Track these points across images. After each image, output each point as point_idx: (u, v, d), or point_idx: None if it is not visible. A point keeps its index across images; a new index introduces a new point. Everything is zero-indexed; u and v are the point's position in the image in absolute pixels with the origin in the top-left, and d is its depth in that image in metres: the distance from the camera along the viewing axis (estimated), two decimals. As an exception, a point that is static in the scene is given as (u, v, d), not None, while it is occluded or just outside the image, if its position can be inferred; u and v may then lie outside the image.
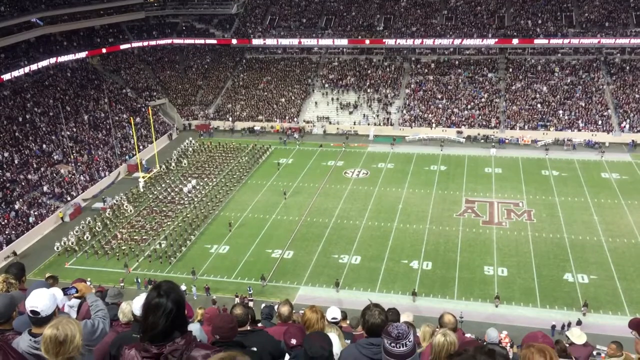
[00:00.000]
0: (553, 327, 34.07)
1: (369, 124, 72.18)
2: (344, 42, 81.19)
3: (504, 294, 38.57)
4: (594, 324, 34.95)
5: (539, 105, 70.42)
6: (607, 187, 54.58)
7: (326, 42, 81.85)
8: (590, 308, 36.72)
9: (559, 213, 49.76)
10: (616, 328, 33.82)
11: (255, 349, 5.64)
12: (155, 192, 56.72)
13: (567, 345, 8.93)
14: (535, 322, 34.20)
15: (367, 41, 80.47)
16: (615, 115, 67.38)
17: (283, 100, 77.82)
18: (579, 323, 34.13)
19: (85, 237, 48.52)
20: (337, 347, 5.85)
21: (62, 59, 72.88)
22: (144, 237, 48.16)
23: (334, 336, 6.03)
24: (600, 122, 66.76)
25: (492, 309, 37.51)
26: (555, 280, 40.34)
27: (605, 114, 67.66)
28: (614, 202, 51.35)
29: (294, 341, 5.77)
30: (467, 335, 15.60)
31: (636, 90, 69.27)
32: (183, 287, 39.32)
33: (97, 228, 50.15)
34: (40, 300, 4.75)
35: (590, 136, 65.44)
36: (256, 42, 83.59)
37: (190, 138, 70.92)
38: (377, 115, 73.24)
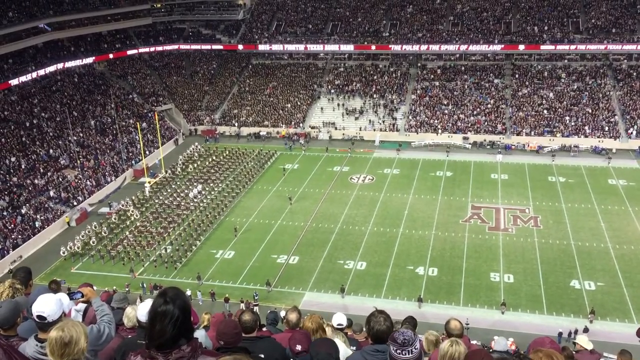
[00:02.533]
0: (560, 334, 33.87)
1: (374, 130, 72.17)
2: (350, 47, 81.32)
3: (510, 301, 38.40)
4: (601, 331, 34.73)
5: (545, 112, 70.25)
6: (614, 193, 54.33)
7: (332, 47, 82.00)
8: (597, 315, 36.48)
9: (566, 219, 49.55)
10: (623, 335, 33.58)
11: (262, 355, 5.62)
12: (161, 197, 56.83)
13: (574, 352, 8.86)
14: (542, 329, 33.99)
15: (373, 47, 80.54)
16: (622, 122, 67.14)
17: (289, 105, 77.94)
18: (585, 330, 33.93)
19: (91, 242, 48.65)
20: (342, 354, 5.83)
21: (70, 64, 73.34)
22: (149, 242, 48.23)
23: (339, 342, 6.02)
24: (607, 129, 66.53)
25: (499, 315, 37.35)
26: (562, 287, 40.13)
27: (612, 120, 67.43)
28: (621, 209, 51.10)
29: (299, 347, 5.75)
30: (473, 342, 15.51)
31: (643, 96, 69.07)
32: (188, 293, 39.35)
33: (103, 233, 50.27)
34: (47, 305, 4.76)
35: (597, 142, 65.21)
36: (262, 47, 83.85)
37: (196, 143, 71.07)
38: (383, 121, 73.22)
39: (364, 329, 5.84)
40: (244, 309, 31.17)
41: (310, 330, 5.85)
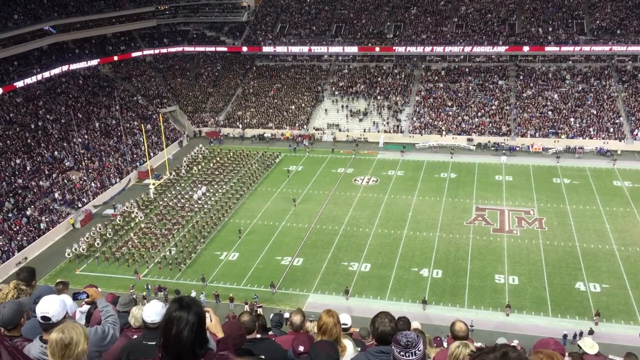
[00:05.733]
0: (565, 336, 33.76)
1: (378, 131, 72.14)
2: (354, 49, 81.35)
3: (514, 303, 38.29)
4: (606, 333, 34.64)
5: (549, 113, 70.11)
6: (619, 195, 54.14)
7: (336, 49, 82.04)
8: (602, 317, 36.34)
9: (571, 221, 49.41)
10: (628, 338, 33.59)
11: (263, 357, 5.62)
12: (165, 199, 56.93)
13: (581, 355, 8.82)
14: (547, 331, 33.90)
15: (377, 49, 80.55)
16: (627, 123, 66.93)
17: (293, 107, 78.00)
18: (591, 332, 33.83)
19: (96, 244, 48.76)
20: (350, 355, 5.83)
21: (74, 66, 73.64)
22: (154, 244, 48.31)
23: (348, 343, 6.02)
24: (612, 130, 66.34)
25: (503, 317, 37.25)
26: (567, 289, 40.01)
27: (617, 121, 67.23)
28: (626, 211, 50.90)
29: (301, 348, 5.75)
30: (478, 344, 15.48)
31: (648, 97, 68.86)
32: (193, 294, 39.41)
33: (107, 234, 50.38)
34: (51, 306, 4.80)
35: (602, 144, 65.02)
36: (266, 49, 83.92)
37: (201, 145, 71.17)
38: (387, 123, 73.21)
39: (369, 329, 5.83)
40: (247, 310, 31.16)
41: (332, 324, 5.82)
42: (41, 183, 56.09)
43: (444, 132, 69.90)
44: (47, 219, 51.85)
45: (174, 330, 3.67)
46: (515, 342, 29.50)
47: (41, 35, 69.38)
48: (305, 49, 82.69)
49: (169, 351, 3.71)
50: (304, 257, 45.65)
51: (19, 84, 64.76)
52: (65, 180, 58.07)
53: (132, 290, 40.70)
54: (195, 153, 68.68)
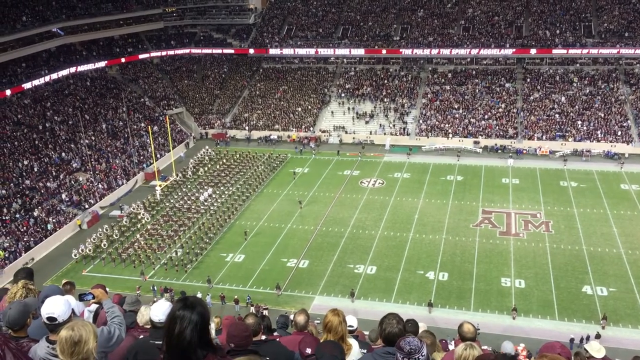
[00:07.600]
0: (571, 340, 33.60)
1: (385, 134, 72.08)
2: (360, 51, 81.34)
3: (521, 306, 38.15)
4: (613, 337, 34.44)
5: (557, 116, 69.86)
6: (627, 198, 53.87)
7: (343, 51, 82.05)
8: (609, 321, 36.15)
9: (578, 224, 49.19)
10: (635, 342, 33.39)
11: (268, 358, 5.62)
12: (172, 201, 57.06)
13: (587, 358, 8.77)
14: (553, 335, 33.71)
15: (384, 51, 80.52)
16: (635, 126, 66.61)
17: (299, 109, 78.05)
18: (597, 336, 33.67)
19: (102, 245, 48.91)
20: (355, 354, 5.83)
21: (82, 68, 74.03)
22: (160, 245, 48.41)
23: (353, 342, 6.02)
24: (619, 133, 66.04)
25: (509, 321, 37.11)
26: (574, 292, 39.83)
27: (624, 124, 66.93)
28: (634, 214, 50.63)
29: (309, 350, 5.74)
30: (484, 347, 15.44)
31: (656, 100, 68.49)
32: (198, 295, 39.47)
33: (114, 236, 50.53)
34: (56, 306, 4.81)
35: (610, 147, 64.73)
36: (273, 51, 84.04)
37: (207, 147, 71.28)
38: (394, 125, 73.14)
39: (377, 331, 5.83)
40: (253, 312, 31.20)
41: (337, 323, 5.82)
42: (48, 184, 56.34)
43: (450, 135, 69.78)
44: (54, 220, 52.08)
45: (177, 329, 3.66)
46: (521, 346, 29.39)
47: (49, 37, 69.83)
48: (311, 51, 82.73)
49: (172, 350, 3.70)
50: (309, 259, 45.65)
51: (27, 85, 65.18)
52: (73, 182, 58.28)
53: (138, 292, 40.86)
54: (201, 155, 68.81)
